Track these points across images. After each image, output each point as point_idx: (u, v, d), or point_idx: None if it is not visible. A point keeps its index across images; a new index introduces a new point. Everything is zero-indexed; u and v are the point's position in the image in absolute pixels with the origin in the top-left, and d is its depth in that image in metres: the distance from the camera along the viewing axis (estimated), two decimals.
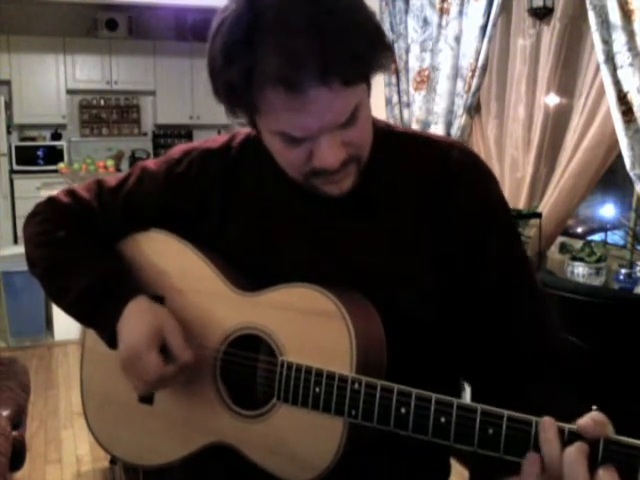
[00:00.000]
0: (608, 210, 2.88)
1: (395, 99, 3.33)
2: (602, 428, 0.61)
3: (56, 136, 6.64)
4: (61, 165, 5.01)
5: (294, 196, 0.87)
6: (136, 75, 6.76)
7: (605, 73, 2.09)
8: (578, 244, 2.44)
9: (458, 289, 0.85)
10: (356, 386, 0.74)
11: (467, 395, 0.89)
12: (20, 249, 1.05)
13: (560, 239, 2.66)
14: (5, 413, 1.86)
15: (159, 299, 0.93)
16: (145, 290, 0.92)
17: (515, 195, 2.81)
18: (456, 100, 2.97)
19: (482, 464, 0.78)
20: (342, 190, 0.82)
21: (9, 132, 6.29)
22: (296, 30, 0.68)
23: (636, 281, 2.21)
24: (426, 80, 3.15)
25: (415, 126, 3.19)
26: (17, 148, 6.31)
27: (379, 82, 3.31)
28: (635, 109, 2.01)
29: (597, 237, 2.73)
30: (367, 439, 0.79)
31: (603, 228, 2.74)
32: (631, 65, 2.01)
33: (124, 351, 0.86)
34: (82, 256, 0.96)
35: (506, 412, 0.66)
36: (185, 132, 7.10)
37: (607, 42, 2.08)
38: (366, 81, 0.77)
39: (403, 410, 0.71)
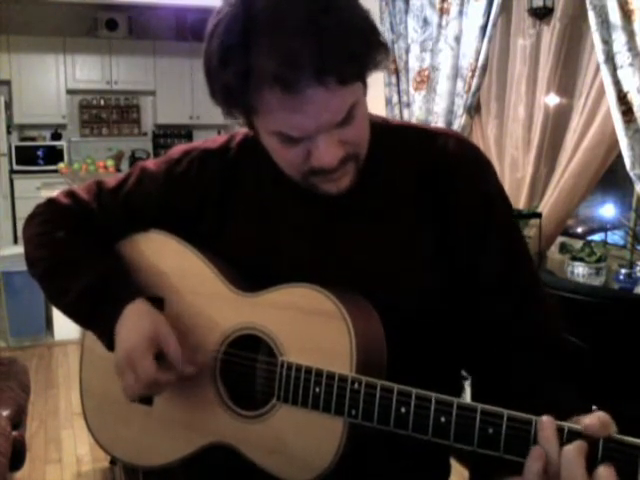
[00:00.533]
0: (608, 210, 2.88)
1: (395, 99, 3.33)
2: (607, 429, 0.61)
3: (56, 136, 6.64)
4: (61, 165, 5.01)
5: (293, 196, 0.87)
6: (136, 75, 6.76)
7: (605, 73, 2.09)
8: (578, 244, 2.44)
9: (459, 282, 0.85)
10: (356, 386, 0.74)
11: (467, 395, 0.89)
12: (20, 249, 1.06)
13: (560, 239, 2.66)
14: (5, 413, 1.86)
15: (158, 300, 0.93)
16: (144, 291, 0.92)
17: (515, 195, 2.81)
18: (456, 100, 2.97)
19: (482, 464, 0.78)
20: (340, 188, 0.82)
21: (9, 132, 6.29)
22: (291, 30, 0.68)
23: (636, 281, 2.21)
24: (426, 80, 3.15)
25: None
26: (17, 148, 6.31)
27: (379, 82, 3.31)
28: (635, 109, 2.01)
29: (597, 237, 2.73)
30: (367, 439, 0.79)
31: (603, 228, 2.74)
32: (631, 65, 2.01)
33: (120, 353, 0.86)
34: (81, 257, 0.96)
35: (506, 412, 0.66)
36: (185, 132, 7.10)
37: (607, 42, 2.08)
38: (362, 79, 0.77)
39: (403, 410, 0.71)
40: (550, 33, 2.61)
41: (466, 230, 0.85)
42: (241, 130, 0.93)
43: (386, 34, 3.33)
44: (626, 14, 2.03)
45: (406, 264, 0.85)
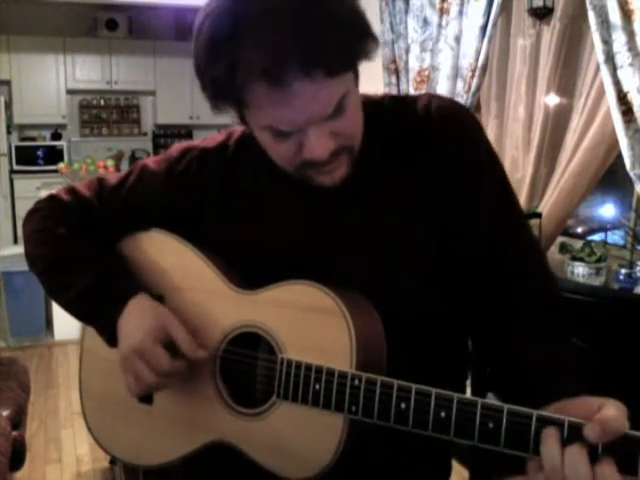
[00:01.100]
0: (608, 210, 2.88)
1: None
2: (611, 433, 0.60)
3: (56, 136, 6.64)
4: (61, 165, 5.00)
5: (291, 192, 0.87)
6: (136, 75, 6.76)
7: (605, 73, 2.09)
8: (578, 244, 2.44)
9: (454, 255, 0.84)
10: (356, 382, 0.75)
11: (468, 390, 0.89)
12: (20, 249, 1.06)
13: (560, 239, 2.66)
14: (5, 413, 1.86)
15: (159, 298, 0.93)
16: (145, 289, 0.92)
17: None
18: (456, 100, 2.97)
19: (482, 464, 0.78)
20: (335, 180, 0.82)
21: (9, 132, 6.30)
22: (277, 24, 0.68)
23: (636, 281, 2.21)
24: (426, 80, 3.15)
25: None
26: (17, 148, 6.31)
27: (379, 82, 3.31)
28: (635, 109, 2.01)
29: (597, 237, 2.72)
30: (367, 436, 0.79)
31: (603, 228, 2.73)
32: (631, 65, 2.01)
33: (125, 349, 0.86)
34: (82, 254, 0.96)
35: (506, 406, 0.66)
36: (185, 132, 7.10)
37: (607, 42, 2.08)
38: (352, 69, 0.77)
39: (403, 405, 0.71)
40: (550, 33, 2.61)
41: (457, 197, 0.84)
42: (239, 127, 0.93)
43: (386, 34, 3.33)
44: (626, 14, 2.03)
45: (406, 255, 0.85)
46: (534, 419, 0.64)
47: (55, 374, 3.54)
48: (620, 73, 2.05)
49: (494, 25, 2.73)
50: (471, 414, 0.67)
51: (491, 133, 3.00)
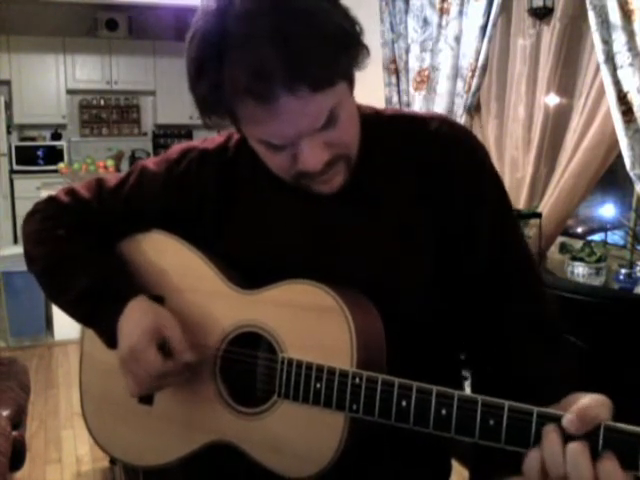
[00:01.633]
0: (608, 210, 2.88)
1: (395, 99, 3.33)
2: (591, 423, 0.61)
3: (56, 136, 6.65)
4: (61, 165, 5.01)
5: (290, 194, 0.87)
6: (136, 75, 6.76)
7: (605, 73, 2.09)
8: (578, 244, 2.44)
9: (457, 268, 0.85)
10: (357, 380, 0.75)
11: (467, 388, 0.89)
12: (20, 249, 1.06)
13: (560, 239, 2.66)
14: (5, 413, 1.86)
15: (159, 299, 0.93)
16: (145, 290, 0.92)
17: (515, 195, 2.81)
18: (456, 100, 2.97)
19: (482, 464, 0.78)
20: (333, 188, 0.83)
21: (9, 132, 6.30)
22: (260, 41, 0.68)
23: (636, 281, 2.21)
24: (426, 80, 3.15)
25: None
26: (17, 148, 6.31)
27: (379, 82, 3.31)
28: (635, 109, 2.01)
29: (597, 237, 2.72)
30: (368, 436, 0.79)
31: (603, 228, 2.74)
32: (631, 65, 2.01)
33: (124, 350, 0.86)
34: (82, 255, 0.96)
35: (507, 403, 0.66)
36: (185, 132, 7.11)
37: (607, 42, 2.08)
38: (343, 80, 0.76)
39: (404, 403, 0.71)
40: (550, 33, 2.61)
41: (460, 216, 0.85)
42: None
43: (386, 34, 3.33)
44: (626, 14, 2.03)
45: (406, 258, 0.85)
46: (535, 415, 0.64)
47: (55, 374, 3.54)
48: (620, 73, 2.05)
49: (494, 25, 2.74)
50: (472, 411, 0.67)
51: (491, 133, 3.01)
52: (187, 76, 0.76)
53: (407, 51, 3.27)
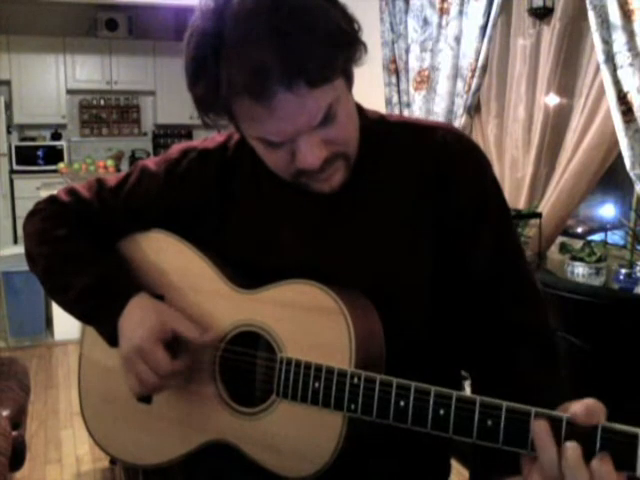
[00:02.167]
0: (608, 210, 2.88)
1: (395, 99, 3.33)
2: (595, 417, 0.61)
3: (56, 136, 6.64)
4: (61, 165, 5.01)
5: (291, 193, 0.87)
6: (136, 75, 6.76)
7: (605, 73, 2.09)
8: (578, 244, 2.44)
9: (452, 276, 0.85)
10: (355, 380, 0.75)
11: (467, 388, 0.90)
12: (20, 249, 1.06)
13: (560, 239, 2.66)
14: (5, 413, 1.86)
15: (159, 298, 0.93)
16: (145, 289, 0.92)
17: (515, 195, 2.81)
18: (456, 100, 2.97)
19: (483, 464, 0.78)
20: (332, 187, 0.83)
21: (9, 132, 6.30)
22: (256, 39, 0.68)
23: (636, 281, 2.21)
24: (426, 80, 3.15)
25: None
26: (17, 148, 6.31)
27: (379, 82, 3.31)
28: (635, 109, 2.01)
29: (597, 237, 2.72)
30: (367, 435, 0.79)
31: (603, 228, 2.74)
32: (631, 65, 2.01)
33: (127, 348, 0.86)
34: (82, 254, 0.96)
35: (504, 403, 0.66)
36: (185, 132, 7.10)
37: (607, 42, 2.08)
38: (340, 77, 0.76)
39: (402, 403, 0.71)
40: (550, 33, 2.61)
41: (459, 223, 0.85)
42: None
43: (386, 34, 3.33)
44: (626, 14, 2.03)
45: (405, 260, 0.85)
46: (532, 416, 0.64)
47: (55, 374, 3.54)
48: (620, 73, 2.05)
49: (494, 25, 2.74)
50: (470, 411, 0.67)
51: (491, 133, 3.00)
52: (185, 75, 0.76)
53: (407, 51, 3.27)
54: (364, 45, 0.76)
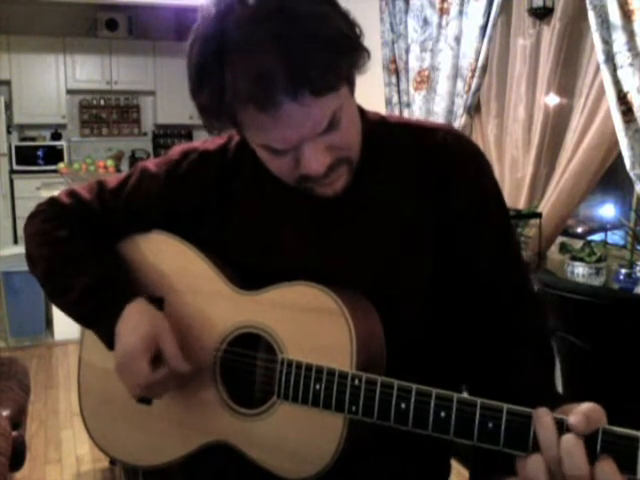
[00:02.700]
0: (608, 210, 2.88)
1: (395, 99, 3.33)
2: (594, 424, 0.61)
3: (56, 136, 6.64)
4: (61, 165, 5.00)
5: (292, 195, 0.87)
6: (136, 75, 6.75)
7: (605, 73, 2.09)
8: (578, 244, 2.44)
9: (452, 278, 0.85)
10: (356, 382, 0.75)
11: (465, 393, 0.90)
12: (20, 249, 1.06)
13: (560, 239, 2.66)
14: (5, 413, 1.86)
15: (159, 300, 0.93)
16: (145, 291, 0.92)
17: (515, 195, 2.81)
18: (456, 100, 2.97)
19: (483, 465, 0.78)
20: (336, 191, 0.83)
21: (9, 132, 6.29)
22: (260, 48, 0.68)
23: (636, 281, 2.21)
24: (426, 80, 3.15)
25: None
26: (17, 148, 6.31)
27: (379, 82, 3.31)
28: (635, 109, 2.01)
29: (597, 237, 2.72)
30: (367, 436, 0.79)
31: (603, 228, 2.74)
32: (631, 65, 2.01)
33: (119, 355, 0.86)
34: (82, 256, 0.96)
35: (505, 406, 0.66)
36: (185, 132, 7.10)
37: (607, 42, 2.08)
38: (345, 83, 0.76)
39: (403, 405, 0.71)
40: (550, 33, 2.61)
41: (459, 225, 0.85)
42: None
43: (386, 34, 3.33)
44: (626, 14, 2.03)
45: (406, 261, 0.85)
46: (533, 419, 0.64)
47: (55, 374, 3.54)
48: (620, 73, 2.05)
49: (494, 25, 2.74)
50: (471, 414, 0.67)
51: (491, 133, 3.00)
52: (189, 82, 0.76)
53: (407, 51, 3.27)
54: (367, 52, 0.75)
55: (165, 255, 0.95)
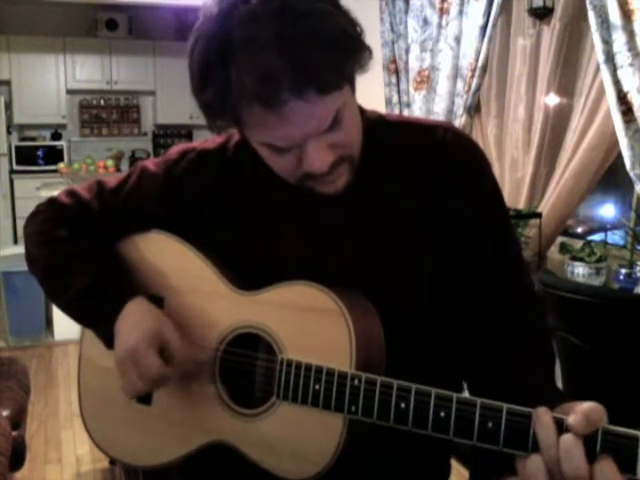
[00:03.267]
0: (608, 210, 2.88)
1: (395, 99, 3.33)
2: (594, 424, 0.60)
3: (56, 136, 6.64)
4: (61, 165, 5.01)
5: (291, 194, 0.87)
6: (136, 75, 6.76)
7: (605, 73, 2.09)
8: (578, 244, 2.44)
9: (451, 277, 0.85)
10: (356, 382, 0.75)
11: (467, 391, 0.89)
12: (20, 249, 1.06)
13: (560, 239, 2.66)
14: (5, 413, 1.86)
15: (158, 299, 0.93)
16: (144, 291, 0.92)
17: (515, 195, 2.81)
18: (456, 100, 2.97)
19: (483, 465, 0.78)
20: (338, 189, 0.83)
21: (9, 132, 6.30)
22: (265, 46, 0.68)
23: (636, 281, 2.21)
24: (426, 80, 3.15)
25: None
26: (17, 148, 6.31)
27: (379, 82, 3.31)
28: (635, 109, 2.01)
29: (597, 237, 2.72)
30: (367, 436, 0.79)
31: (603, 228, 2.74)
32: (631, 65, 2.01)
33: (122, 351, 0.86)
34: (82, 255, 0.96)
35: (505, 405, 0.66)
36: (185, 132, 7.10)
37: (607, 42, 2.08)
38: (348, 82, 0.76)
39: (403, 405, 0.71)
40: (550, 33, 2.61)
41: (459, 223, 0.85)
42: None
43: (386, 34, 3.33)
44: (626, 14, 2.03)
45: (406, 261, 0.85)
46: (533, 418, 0.64)
47: (55, 374, 3.54)
48: (620, 73, 2.05)
49: (494, 25, 2.74)
50: (470, 414, 0.67)
51: (491, 133, 3.00)
52: (191, 82, 0.75)
53: (407, 51, 3.27)
54: (370, 50, 0.76)
55: (164, 255, 0.95)
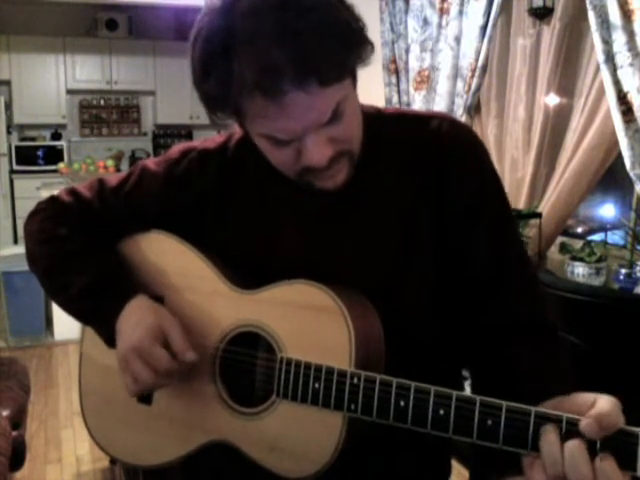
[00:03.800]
0: (608, 210, 2.88)
1: (395, 99, 3.33)
2: (608, 429, 0.60)
3: (56, 136, 6.64)
4: (61, 165, 5.01)
5: (291, 193, 0.87)
6: (136, 75, 6.76)
7: (605, 73, 2.09)
8: (578, 244, 2.44)
9: (451, 268, 0.85)
10: (355, 380, 0.75)
11: (467, 388, 0.89)
12: (20, 249, 1.06)
13: (560, 239, 2.66)
14: (5, 413, 1.86)
15: (159, 298, 0.93)
16: (145, 290, 0.92)
17: (515, 195, 2.81)
18: (456, 100, 2.97)
19: (483, 464, 0.78)
20: (337, 184, 0.83)
21: (9, 132, 6.30)
22: (267, 37, 0.68)
23: (636, 281, 2.21)
24: (426, 80, 3.15)
25: None
26: (17, 148, 6.31)
27: (379, 82, 3.31)
28: (635, 109, 2.01)
29: (597, 237, 2.72)
30: (367, 435, 0.79)
31: (603, 228, 2.74)
32: (631, 65, 2.01)
33: (124, 348, 0.86)
34: (83, 254, 0.96)
35: (504, 403, 0.66)
36: (185, 132, 7.10)
37: (607, 42, 2.09)
38: (350, 75, 0.77)
39: (402, 403, 0.71)
40: (550, 33, 2.61)
41: (459, 215, 0.85)
42: (239, 129, 0.93)
43: (386, 34, 3.33)
44: (626, 14, 2.03)
45: (407, 258, 0.85)
46: (532, 416, 0.64)
47: (55, 374, 3.54)
48: (620, 73, 2.05)
49: (494, 25, 2.74)
50: (470, 411, 0.67)
51: (491, 133, 3.01)
52: (192, 74, 0.76)
53: (407, 51, 3.27)
54: (372, 44, 0.76)
55: (164, 255, 0.96)
